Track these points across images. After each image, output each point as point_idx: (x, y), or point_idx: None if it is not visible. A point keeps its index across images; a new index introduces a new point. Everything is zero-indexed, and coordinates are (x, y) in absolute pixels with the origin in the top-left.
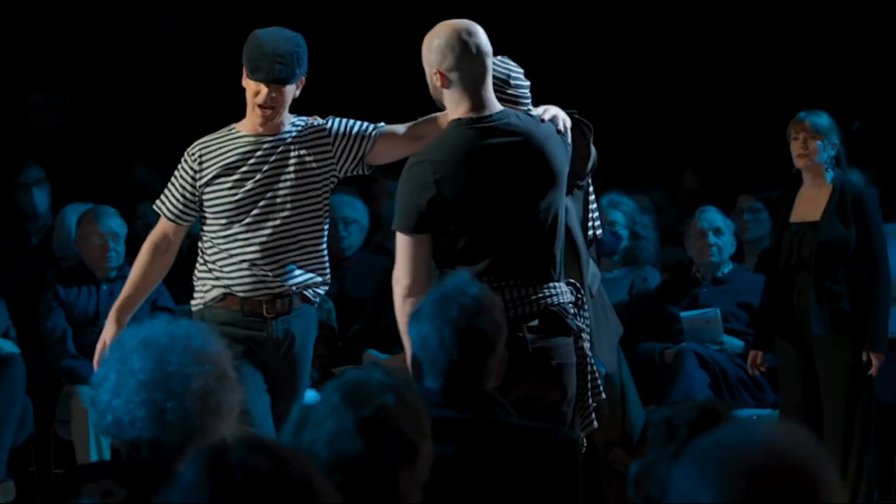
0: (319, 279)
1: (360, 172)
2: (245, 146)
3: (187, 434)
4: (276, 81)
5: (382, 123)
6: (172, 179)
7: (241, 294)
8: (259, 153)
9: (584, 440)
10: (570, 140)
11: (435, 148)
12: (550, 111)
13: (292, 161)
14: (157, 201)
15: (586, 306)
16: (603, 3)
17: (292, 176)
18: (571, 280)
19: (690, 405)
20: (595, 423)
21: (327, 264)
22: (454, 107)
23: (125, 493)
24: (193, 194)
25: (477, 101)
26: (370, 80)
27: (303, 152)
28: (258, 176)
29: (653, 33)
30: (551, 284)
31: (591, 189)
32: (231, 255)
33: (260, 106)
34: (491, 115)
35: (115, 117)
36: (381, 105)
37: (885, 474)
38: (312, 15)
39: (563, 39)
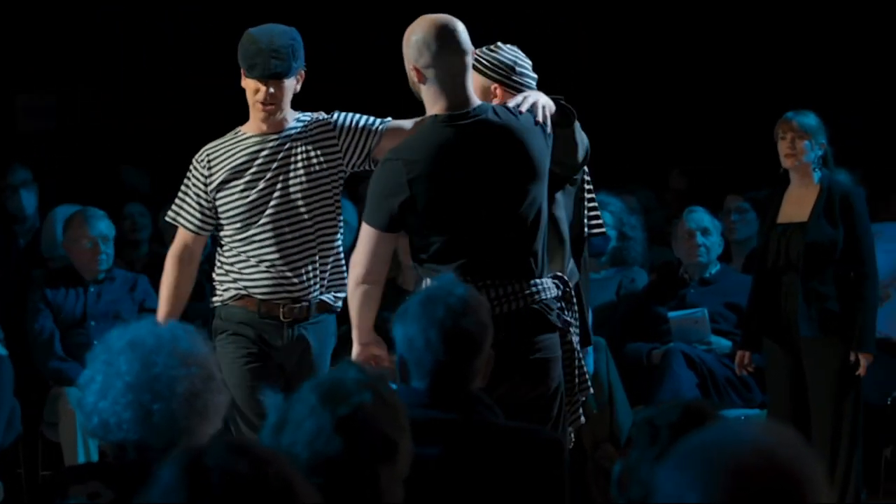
0: (338, 279)
1: (368, 167)
2: (251, 146)
3: (174, 436)
4: (273, 76)
5: (389, 118)
6: (184, 188)
7: (260, 296)
8: (265, 152)
9: (573, 436)
10: (549, 129)
11: (409, 146)
12: (529, 100)
13: (300, 157)
14: (170, 213)
15: (574, 299)
16: (603, 3)
17: (301, 172)
18: (558, 273)
19: (673, 405)
20: (582, 419)
21: (344, 263)
22: (431, 103)
23: (112, 495)
24: (208, 201)
25: (454, 99)
26: (370, 80)
27: (310, 148)
28: (268, 175)
29: (638, 34)
30: (533, 281)
31: (588, 186)
32: (249, 258)
33: (262, 103)
34: (468, 112)
35: (115, 117)
36: (381, 105)
37: (872, 474)
38: (312, 15)
39: (563, 39)
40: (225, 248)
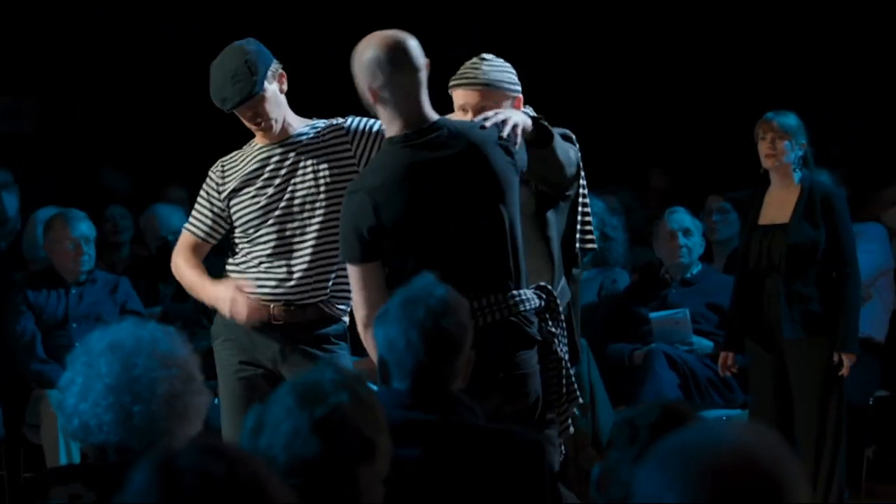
0: (344, 288)
1: None
2: (261, 154)
3: (154, 438)
4: (241, 103)
5: None
6: (199, 199)
7: (261, 299)
8: (276, 159)
9: (564, 447)
10: (516, 145)
11: (369, 174)
12: (500, 116)
13: (311, 163)
14: (187, 224)
15: (560, 309)
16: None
17: (311, 178)
18: (542, 284)
19: (652, 406)
20: (571, 429)
21: None
22: (388, 124)
23: (93, 497)
24: (221, 208)
25: (410, 117)
26: None
27: (321, 153)
28: (277, 181)
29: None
30: (511, 293)
31: (584, 200)
32: (251, 259)
33: (252, 125)
34: (424, 129)
35: (116, 117)
36: None
37: (854, 474)
38: (312, 15)
39: (563, 39)
40: (235, 254)
